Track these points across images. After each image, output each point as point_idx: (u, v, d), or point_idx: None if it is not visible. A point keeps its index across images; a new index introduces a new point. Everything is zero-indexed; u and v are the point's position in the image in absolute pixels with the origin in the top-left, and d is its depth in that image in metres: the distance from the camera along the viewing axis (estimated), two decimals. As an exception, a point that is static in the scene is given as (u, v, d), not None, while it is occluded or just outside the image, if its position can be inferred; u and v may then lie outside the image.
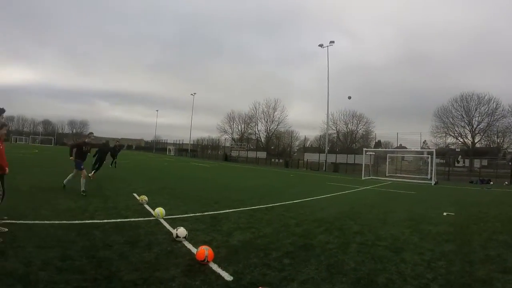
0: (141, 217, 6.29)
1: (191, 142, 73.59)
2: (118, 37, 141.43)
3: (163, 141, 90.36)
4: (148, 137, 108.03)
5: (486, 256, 5.07)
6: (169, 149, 77.65)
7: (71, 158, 9.00)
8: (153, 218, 6.26)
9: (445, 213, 9.07)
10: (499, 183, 28.10)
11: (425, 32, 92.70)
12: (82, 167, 8.84)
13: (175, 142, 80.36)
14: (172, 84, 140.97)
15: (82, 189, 8.38)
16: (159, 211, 6.34)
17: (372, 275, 3.94)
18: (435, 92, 76.23)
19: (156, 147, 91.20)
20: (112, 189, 9.91)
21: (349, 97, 38.61)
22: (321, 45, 42.27)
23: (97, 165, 12.72)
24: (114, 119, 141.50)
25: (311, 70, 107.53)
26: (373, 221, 7.60)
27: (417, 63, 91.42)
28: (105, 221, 5.77)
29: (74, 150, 9.13)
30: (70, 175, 9.04)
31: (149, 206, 7.38)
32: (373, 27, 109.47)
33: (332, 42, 41.39)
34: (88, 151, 9.52)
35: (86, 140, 9.45)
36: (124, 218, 6.12)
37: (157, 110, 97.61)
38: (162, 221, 6.05)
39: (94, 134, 10.21)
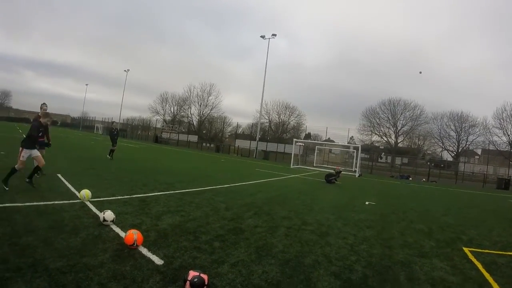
0: (65, 200, 5.79)
1: (121, 121, 69.65)
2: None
3: (91, 118, 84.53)
4: (75, 113, 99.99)
5: (405, 242, 5.65)
6: (97, 127, 72.71)
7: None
8: (78, 200, 5.83)
9: (367, 203, 9.87)
10: (417, 179, 31.72)
11: (359, 42, 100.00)
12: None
13: (103, 120, 75.53)
14: (105, 59, 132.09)
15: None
16: (85, 193, 5.93)
17: (300, 257, 4.18)
18: (363, 94, 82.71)
19: (83, 124, 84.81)
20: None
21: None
22: (263, 36, 43.77)
23: None
24: (39, 91, 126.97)
25: (248, 63, 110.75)
26: (300, 207, 8.00)
27: (348, 67, 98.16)
28: (27, 204, 5.21)
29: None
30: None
31: (74, 187, 6.87)
32: (309, 31, 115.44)
33: (274, 35, 43.19)
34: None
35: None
36: (47, 201, 5.58)
37: (86, 84, 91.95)
38: (88, 203, 5.67)
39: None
